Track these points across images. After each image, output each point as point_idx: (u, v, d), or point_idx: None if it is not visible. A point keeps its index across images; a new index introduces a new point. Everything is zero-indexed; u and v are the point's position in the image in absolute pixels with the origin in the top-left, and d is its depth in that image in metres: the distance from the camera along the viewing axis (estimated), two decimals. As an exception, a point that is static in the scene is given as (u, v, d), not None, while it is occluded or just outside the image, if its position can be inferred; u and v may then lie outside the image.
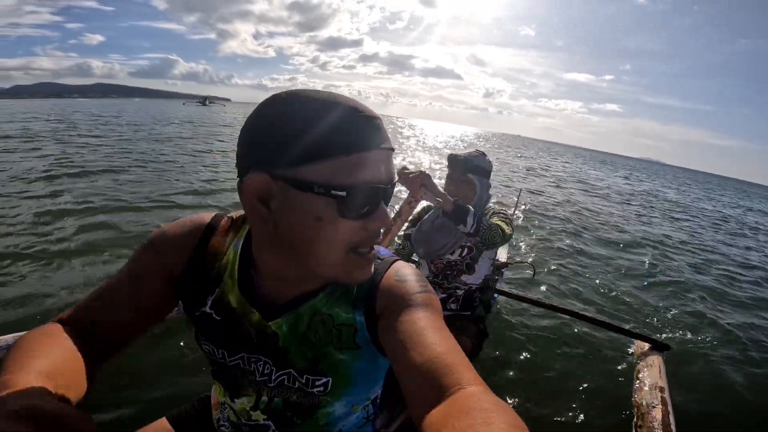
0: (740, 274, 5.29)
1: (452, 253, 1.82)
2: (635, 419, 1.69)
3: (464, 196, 1.72)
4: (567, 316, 2.52)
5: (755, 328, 3.43)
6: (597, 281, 4.00)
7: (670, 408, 1.65)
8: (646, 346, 2.25)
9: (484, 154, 1.79)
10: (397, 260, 0.60)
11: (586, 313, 2.35)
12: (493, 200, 2.05)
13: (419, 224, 1.88)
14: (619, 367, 2.43)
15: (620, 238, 6.13)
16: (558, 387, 2.19)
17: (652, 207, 11.33)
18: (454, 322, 1.72)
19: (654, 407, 1.69)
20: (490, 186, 1.80)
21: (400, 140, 23.57)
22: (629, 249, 5.57)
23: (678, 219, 9.80)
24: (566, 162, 27.95)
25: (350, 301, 0.57)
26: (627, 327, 2.36)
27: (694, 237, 7.62)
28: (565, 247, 5.06)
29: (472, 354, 1.69)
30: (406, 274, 0.57)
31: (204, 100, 73.04)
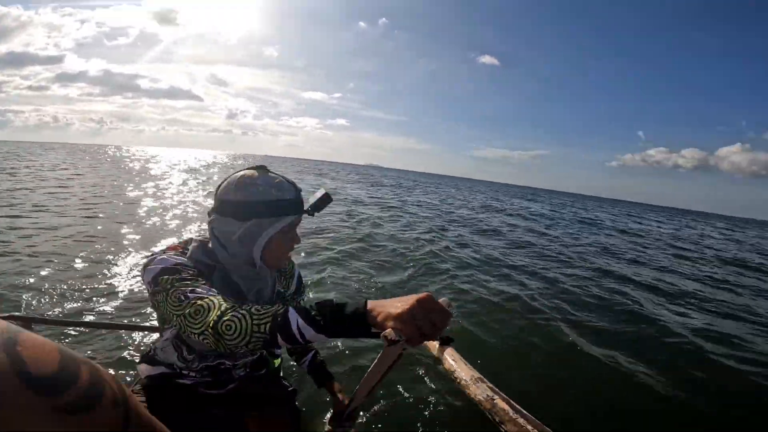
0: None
1: None
2: (492, 417, 1.77)
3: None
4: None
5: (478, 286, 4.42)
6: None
7: (502, 393, 1.84)
8: (436, 344, 2.42)
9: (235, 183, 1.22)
10: None
11: None
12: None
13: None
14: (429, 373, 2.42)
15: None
16: (392, 408, 2.07)
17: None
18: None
19: (494, 399, 1.81)
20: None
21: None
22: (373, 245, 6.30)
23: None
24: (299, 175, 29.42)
25: None
26: None
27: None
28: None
29: (292, 425, 1.29)
30: None
31: None
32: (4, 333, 0.27)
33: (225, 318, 0.76)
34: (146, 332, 2.11)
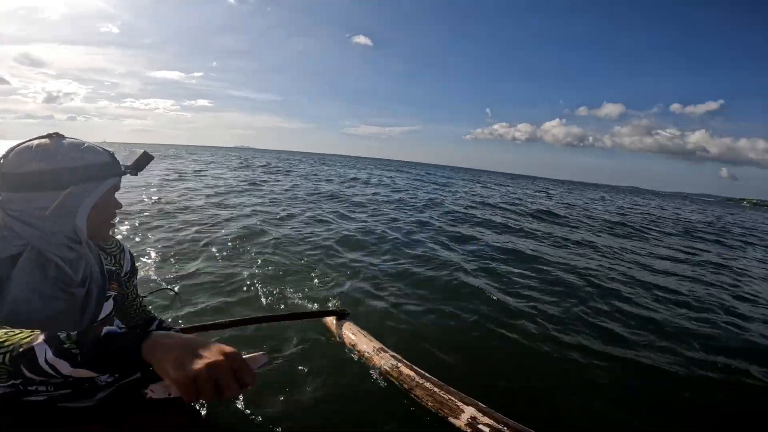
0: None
1: None
2: (400, 385, 1.84)
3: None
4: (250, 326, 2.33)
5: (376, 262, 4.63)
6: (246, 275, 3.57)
7: (406, 361, 1.93)
8: (333, 319, 2.47)
9: (34, 148, 0.95)
10: None
11: (267, 314, 2.27)
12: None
13: None
14: (331, 349, 2.31)
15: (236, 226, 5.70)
16: (294, 391, 1.90)
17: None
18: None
19: (398, 366, 1.91)
20: (85, 197, 0.96)
21: None
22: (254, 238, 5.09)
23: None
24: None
25: None
26: (313, 310, 2.62)
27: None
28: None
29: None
30: None
31: None
32: None
33: None
34: None
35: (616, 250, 6.97)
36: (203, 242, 4.60)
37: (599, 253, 6.45)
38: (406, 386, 1.83)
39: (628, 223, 11.46)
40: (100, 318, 0.97)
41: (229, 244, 4.66)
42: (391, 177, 24.65)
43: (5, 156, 0.83)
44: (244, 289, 3.28)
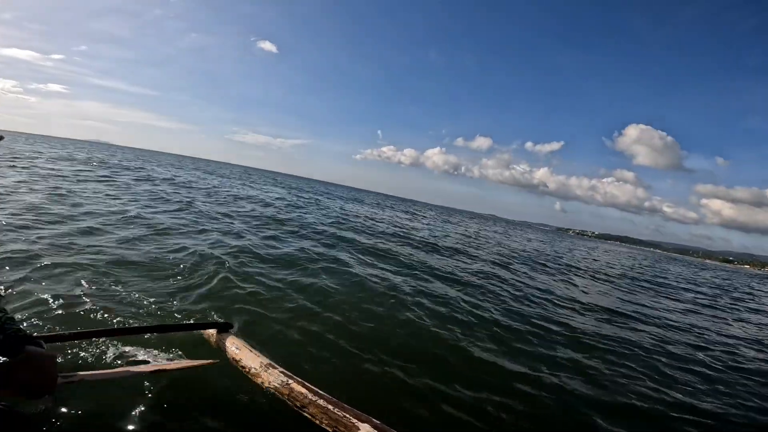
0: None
1: None
2: (291, 403, 1.72)
3: None
4: (120, 336, 2.17)
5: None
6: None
7: (297, 377, 1.82)
8: (214, 332, 2.30)
9: None
10: None
11: (144, 325, 2.14)
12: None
13: None
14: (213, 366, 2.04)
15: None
16: (179, 409, 1.77)
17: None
18: None
19: (288, 383, 1.78)
20: None
21: None
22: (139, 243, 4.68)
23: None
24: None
25: None
26: (187, 322, 2.45)
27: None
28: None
29: None
30: None
31: None
32: None
33: None
34: None
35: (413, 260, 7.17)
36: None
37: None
38: (298, 404, 1.76)
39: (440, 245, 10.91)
40: None
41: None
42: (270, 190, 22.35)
43: None
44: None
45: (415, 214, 27.46)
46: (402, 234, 11.10)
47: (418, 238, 10.91)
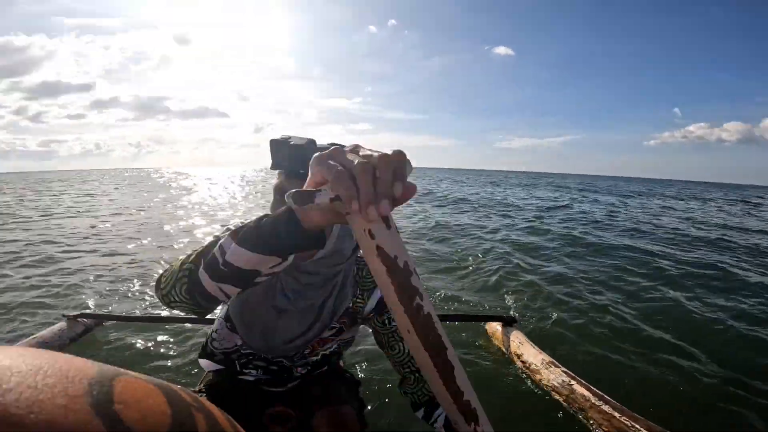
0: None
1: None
2: (569, 406, 1.57)
3: None
4: None
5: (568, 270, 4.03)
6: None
7: (580, 379, 1.64)
8: (499, 325, 2.26)
9: (313, 142, 1.01)
10: None
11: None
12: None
13: (245, 293, 1.01)
14: (493, 357, 2.15)
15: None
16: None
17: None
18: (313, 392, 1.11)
19: (570, 384, 1.63)
20: None
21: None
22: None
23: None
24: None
25: None
26: (474, 314, 2.43)
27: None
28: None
29: (360, 420, 1.14)
30: None
31: None
32: (93, 385, 0.17)
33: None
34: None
35: None
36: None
37: None
38: (576, 406, 1.50)
39: None
40: None
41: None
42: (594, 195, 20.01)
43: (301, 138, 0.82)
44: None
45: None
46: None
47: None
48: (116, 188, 18.39)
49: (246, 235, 0.55)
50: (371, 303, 0.99)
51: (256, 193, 15.62)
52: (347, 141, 0.80)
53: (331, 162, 0.42)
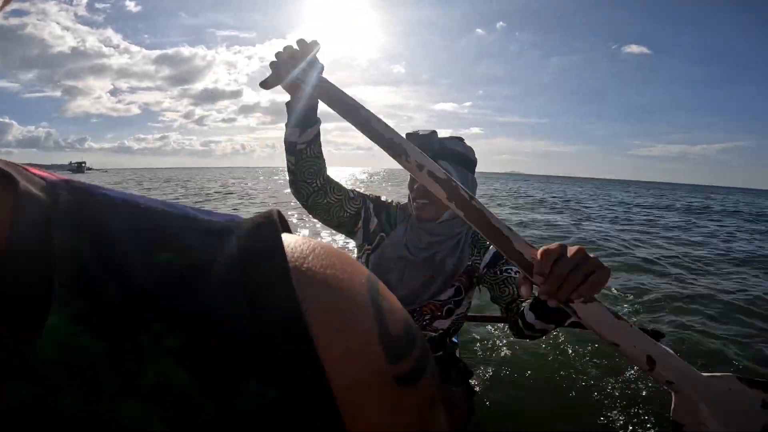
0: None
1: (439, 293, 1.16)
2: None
3: (436, 198, 0.98)
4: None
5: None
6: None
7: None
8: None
9: (463, 140, 1.13)
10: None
11: None
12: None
13: (381, 246, 1.14)
14: (628, 369, 2.16)
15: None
16: (581, 405, 1.93)
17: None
18: None
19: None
20: (475, 186, 1.12)
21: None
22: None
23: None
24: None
25: None
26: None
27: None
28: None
29: (468, 404, 1.25)
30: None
31: (79, 167, 72.99)
32: (369, 277, 0.21)
33: None
34: None
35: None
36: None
37: None
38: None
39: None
40: None
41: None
42: None
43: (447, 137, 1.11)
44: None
45: None
46: None
47: None
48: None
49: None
50: (486, 257, 1.11)
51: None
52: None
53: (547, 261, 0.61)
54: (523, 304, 0.90)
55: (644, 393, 1.94)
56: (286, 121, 0.99)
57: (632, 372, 2.08)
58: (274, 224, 0.19)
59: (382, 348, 0.19)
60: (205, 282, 0.17)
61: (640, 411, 1.83)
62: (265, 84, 0.88)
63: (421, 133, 1.03)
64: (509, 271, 1.08)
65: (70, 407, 0.14)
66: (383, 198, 1.19)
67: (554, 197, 20.19)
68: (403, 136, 0.79)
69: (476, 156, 1.10)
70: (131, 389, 0.14)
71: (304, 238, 0.21)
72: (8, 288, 0.14)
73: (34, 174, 0.18)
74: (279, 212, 0.21)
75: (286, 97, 0.97)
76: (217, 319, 0.16)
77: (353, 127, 0.75)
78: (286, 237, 0.19)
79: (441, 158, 1.02)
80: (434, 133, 1.04)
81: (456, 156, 1.05)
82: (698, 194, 38.43)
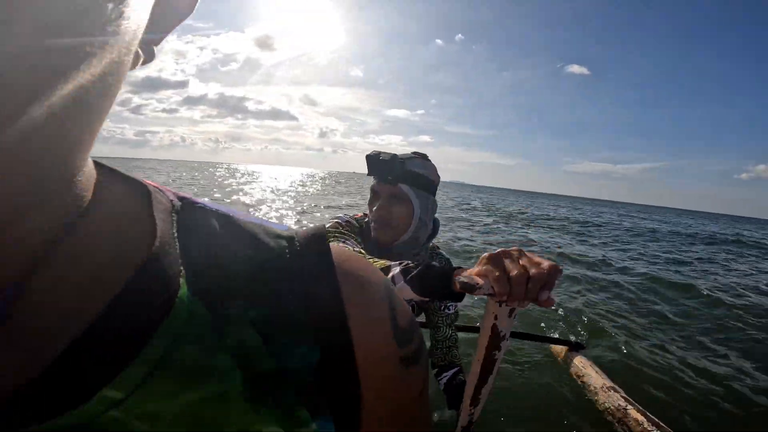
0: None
1: None
2: (621, 428, 1.64)
3: (395, 224, 1.06)
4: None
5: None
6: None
7: (638, 405, 1.69)
8: (563, 349, 2.30)
9: (426, 157, 1.12)
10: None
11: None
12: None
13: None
14: (553, 376, 2.24)
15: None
16: (514, 409, 1.96)
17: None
18: None
19: (626, 408, 1.69)
20: (435, 208, 1.14)
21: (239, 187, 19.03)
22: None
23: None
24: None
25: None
26: (545, 335, 2.46)
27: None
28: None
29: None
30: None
31: None
32: (386, 281, 0.28)
33: None
34: None
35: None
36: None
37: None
38: (626, 429, 1.57)
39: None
40: None
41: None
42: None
43: (409, 154, 1.09)
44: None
45: None
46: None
47: None
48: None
49: (414, 280, 0.73)
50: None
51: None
52: (407, 152, 1.12)
53: (493, 266, 0.59)
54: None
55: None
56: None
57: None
58: (324, 234, 0.26)
59: (393, 334, 0.25)
60: (276, 272, 0.23)
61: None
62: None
63: (381, 157, 1.03)
64: (450, 308, 1.22)
65: (184, 355, 0.18)
66: (354, 221, 1.13)
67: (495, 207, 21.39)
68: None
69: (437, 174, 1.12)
70: (223, 347, 0.19)
71: (344, 246, 0.32)
72: (162, 276, 0.19)
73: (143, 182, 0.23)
74: (325, 226, 0.27)
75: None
76: (283, 299, 0.22)
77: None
78: (332, 244, 0.26)
79: (403, 182, 1.04)
80: (395, 156, 1.04)
81: (418, 179, 1.06)
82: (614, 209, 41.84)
